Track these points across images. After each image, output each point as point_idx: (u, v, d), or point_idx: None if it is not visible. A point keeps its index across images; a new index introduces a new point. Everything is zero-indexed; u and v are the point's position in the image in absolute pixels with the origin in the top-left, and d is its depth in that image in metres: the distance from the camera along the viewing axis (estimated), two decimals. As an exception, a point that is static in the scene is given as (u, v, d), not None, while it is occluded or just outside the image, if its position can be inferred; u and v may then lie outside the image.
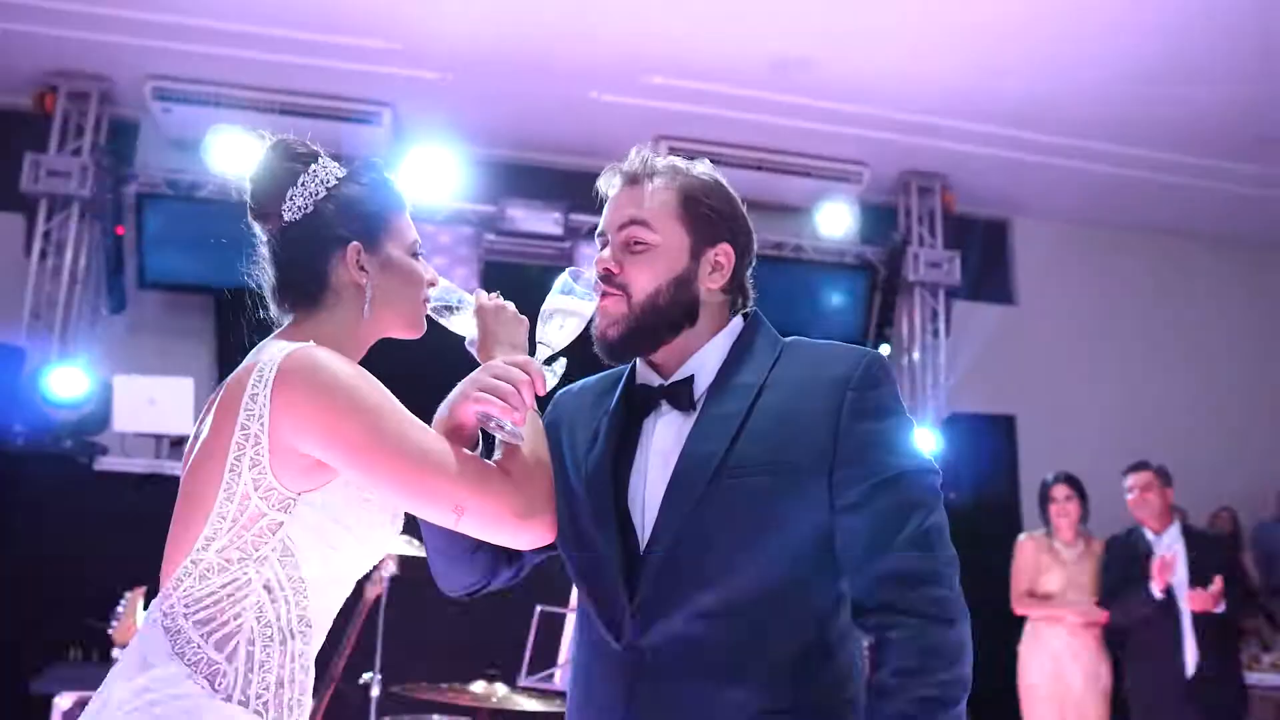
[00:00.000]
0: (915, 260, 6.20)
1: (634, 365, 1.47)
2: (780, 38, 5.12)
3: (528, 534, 1.29)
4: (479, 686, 2.80)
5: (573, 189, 5.49)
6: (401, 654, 3.04)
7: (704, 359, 1.41)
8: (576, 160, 5.76)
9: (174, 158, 5.74)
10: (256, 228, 1.41)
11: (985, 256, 6.61)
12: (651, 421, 1.40)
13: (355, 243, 1.36)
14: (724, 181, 1.49)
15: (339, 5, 5.04)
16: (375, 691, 2.84)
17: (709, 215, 1.43)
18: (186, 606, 1.20)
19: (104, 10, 5.06)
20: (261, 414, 1.21)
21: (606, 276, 1.40)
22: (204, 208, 5.50)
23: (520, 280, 4.39)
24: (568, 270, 1.41)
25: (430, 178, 5.68)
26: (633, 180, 1.45)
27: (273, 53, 5.37)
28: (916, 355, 6.19)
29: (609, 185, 1.48)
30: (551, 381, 1.40)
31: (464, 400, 1.30)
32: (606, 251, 1.42)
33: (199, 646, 1.18)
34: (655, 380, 1.42)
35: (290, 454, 1.22)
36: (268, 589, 1.21)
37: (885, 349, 6.12)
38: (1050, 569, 4.44)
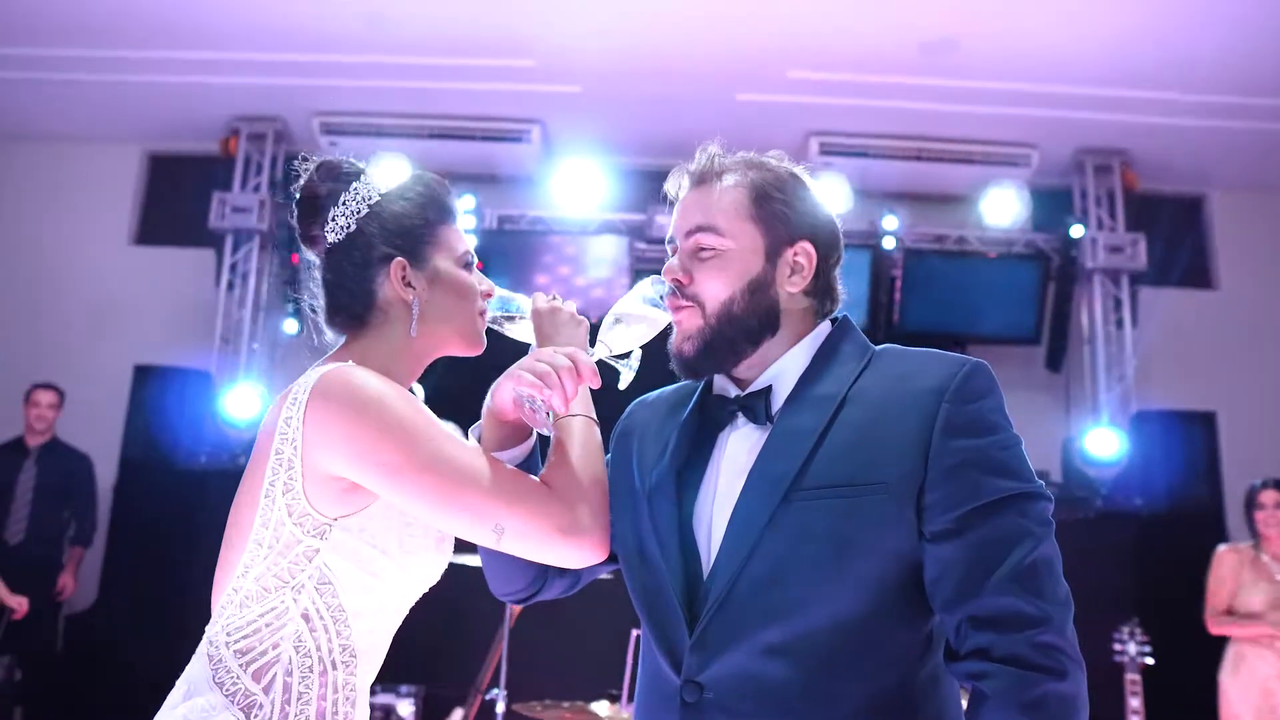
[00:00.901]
0: (1094, 246, 5.71)
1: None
2: (928, 17, 4.84)
3: (574, 552, 1.21)
4: (602, 707, 2.75)
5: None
6: (525, 672, 3.04)
7: (783, 368, 1.29)
8: (725, 163, 5.65)
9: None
10: (308, 253, 1.40)
11: (1175, 237, 5.99)
12: (726, 435, 1.29)
13: (399, 258, 1.32)
14: (800, 173, 1.36)
15: (483, 28, 5.17)
16: (501, 708, 2.84)
17: (783, 211, 1.30)
18: (228, 635, 1.19)
19: (275, 56, 5.42)
20: (295, 438, 1.19)
21: (677, 288, 1.30)
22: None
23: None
24: (651, 276, 1.33)
25: (580, 190, 5.74)
26: (700, 181, 1.35)
27: (425, 80, 5.58)
28: (1099, 348, 5.70)
29: (677, 188, 1.39)
30: (627, 378, 1.33)
31: (505, 380, 1.24)
32: (674, 260, 1.33)
33: (237, 677, 1.17)
34: (732, 391, 1.31)
35: (324, 477, 1.19)
36: (306, 618, 1.19)
37: (1043, 343, 5.68)
38: (1255, 585, 3.94)
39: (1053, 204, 5.89)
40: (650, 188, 5.97)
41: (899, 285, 5.72)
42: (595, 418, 1.33)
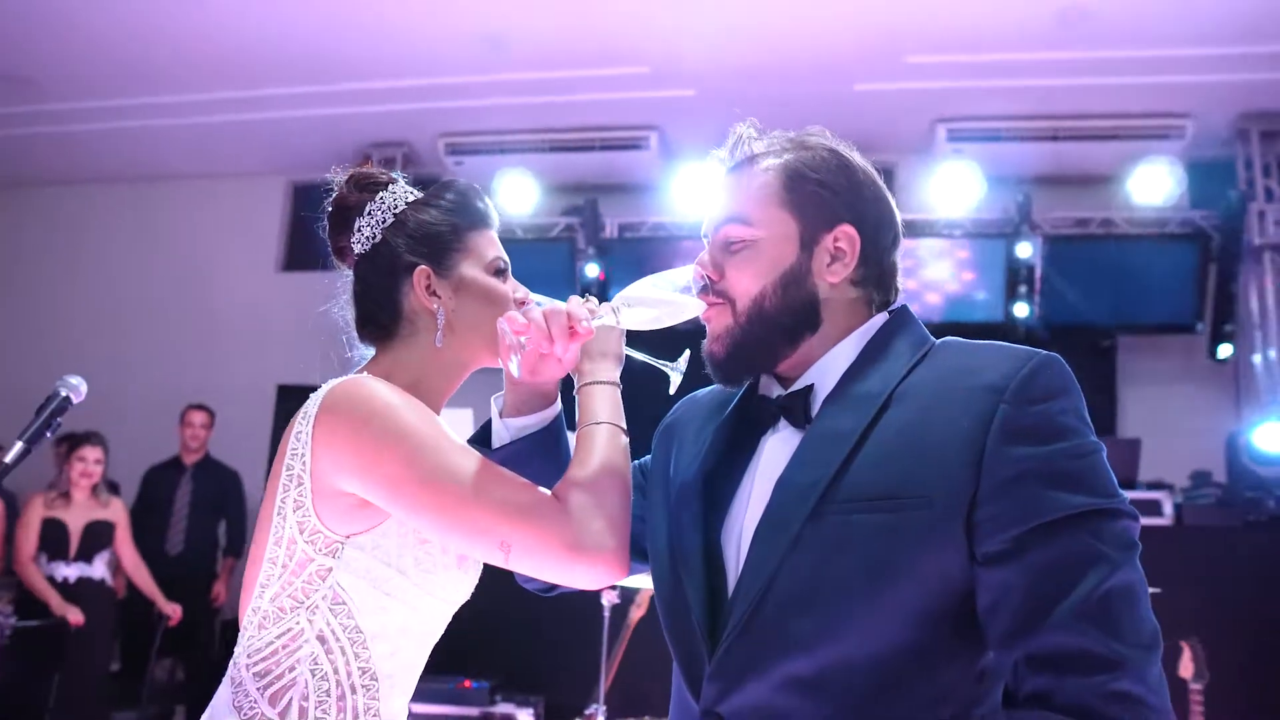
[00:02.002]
0: (1262, 220, 5.21)
1: None
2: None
3: (585, 571, 1.12)
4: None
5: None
6: (631, 686, 2.97)
7: (828, 364, 1.16)
8: (846, 158, 5.47)
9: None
10: (340, 266, 1.39)
11: (1359, 206, 5.41)
12: (766, 438, 1.17)
13: (423, 266, 1.28)
14: (843, 149, 1.22)
15: (596, 39, 5.18)
16: (600, 723, 2.79)
17: (818, 193, 1.17)
18: (248, 657, 1.17)
19: (401, 83, 5.62)
20: (304, 453, 1.16)
21: (708, 284, 1.20)
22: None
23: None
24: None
25: (700, 194, 5.67)
26: (732, 167, 1.25)
27: (544, 95, 5.65)
28: (1271, 332, 5.17)
29: (713, 177, 1.29)
30: (676, 381, 1.26)
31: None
32: (705, 254, 1.23)
33: (255, 701, 1.14)
34: (775, 390, 1.20)
35: (334, 493, 1.15)
36: (322, 640, 1.15)
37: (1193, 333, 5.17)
38: None
39: (1211, 177, 5.42)
40: (771, 188, 5.82)
41: (1038, 275, 5.37)
42: (624, 427, 1.24)
